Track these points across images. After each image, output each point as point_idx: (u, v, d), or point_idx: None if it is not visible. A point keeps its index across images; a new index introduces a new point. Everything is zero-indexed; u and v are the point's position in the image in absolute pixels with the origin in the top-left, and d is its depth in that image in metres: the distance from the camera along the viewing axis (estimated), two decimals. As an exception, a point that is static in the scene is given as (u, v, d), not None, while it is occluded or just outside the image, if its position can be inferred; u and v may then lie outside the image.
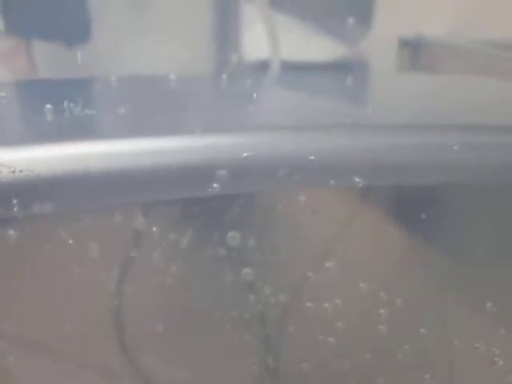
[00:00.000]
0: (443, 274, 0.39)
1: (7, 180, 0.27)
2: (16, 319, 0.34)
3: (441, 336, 0.40)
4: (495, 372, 0.39)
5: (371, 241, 0.39)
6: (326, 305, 0.36)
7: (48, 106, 0.34)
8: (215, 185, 0.30)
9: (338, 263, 0.36)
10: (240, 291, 0.35)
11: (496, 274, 0.39)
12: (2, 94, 0.39)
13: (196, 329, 0.37)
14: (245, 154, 0.31)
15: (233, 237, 0.33)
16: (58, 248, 0.31)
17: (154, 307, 0.36)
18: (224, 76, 0.45)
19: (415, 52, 0.75)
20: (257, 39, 0.66)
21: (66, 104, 0.35)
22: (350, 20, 0.65)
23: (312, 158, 0.31)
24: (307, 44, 0.72)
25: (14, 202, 0.28)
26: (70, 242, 0.31)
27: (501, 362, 0.38)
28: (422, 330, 0.38)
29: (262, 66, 0.66)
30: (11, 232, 0.30)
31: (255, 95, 0.44)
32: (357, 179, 0.32)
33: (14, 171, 0.28)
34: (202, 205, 0.32)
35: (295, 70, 0.68)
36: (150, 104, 0.39)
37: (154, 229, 0.32)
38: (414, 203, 0.36)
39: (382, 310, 0.37)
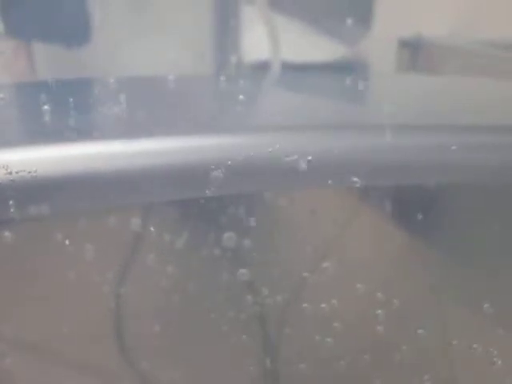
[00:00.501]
0: (442, 274, 0.39)
1: (4, 181, 0.27)
2: (15, 321, 0.34)
3: (439, 337, 0.40)
4: (494, 372, 0.39)
5: (370, 241, 0.39)
6: (325, 305, 0.36)
7: (46, 107, 0.34)
8: (215, 185, 0.30)
9: (337, 263, 0.36)
10: (239, 292, 0.35)
11: (495, 275, 0.39)
12: (1, 95, 0.39)
13: (195, 330, 0.37)
14: (243, 155, 0.31)
15: (231, 237, 0.33)
16: (55, 250, 0.31)
17: (153, 308, 0.36)
18: (224, 77, 0.45)
19: (415, 52, 0.75)
20: (257, 40, 0.66)
21: (64, 105, 0.35)
22: (350, 20, 0.65)
23: (310, 158, 0.31)
24: (307, 44, 0.72)
25: (11, 203, 0.28)
26: (68, 243, 0.31)
27: (499, 363, 0.38)
28: (421, 331, 0.38)
29: (263, 67, 0.66)
30: (8, 234, 0.30)
31: (255, 95, 0.44)
32: (355, 179, 0.32)
33: (10, 172, 0.28)
34: (201, 205, 0.32)
35: (295, 71, 0.68)
36: (149, 105, 0.39)
37: (152, 230, 0.32)
38: (413, 203, 0.36)
39: (381, 311, 0.37)
